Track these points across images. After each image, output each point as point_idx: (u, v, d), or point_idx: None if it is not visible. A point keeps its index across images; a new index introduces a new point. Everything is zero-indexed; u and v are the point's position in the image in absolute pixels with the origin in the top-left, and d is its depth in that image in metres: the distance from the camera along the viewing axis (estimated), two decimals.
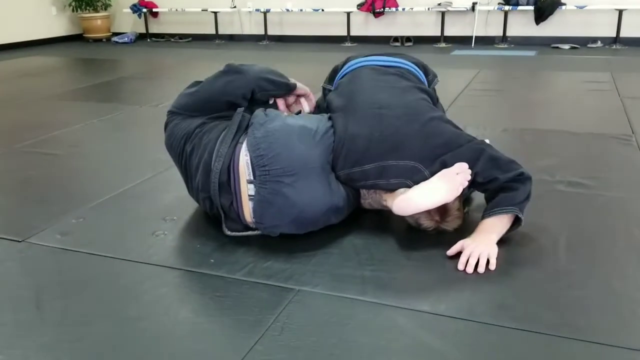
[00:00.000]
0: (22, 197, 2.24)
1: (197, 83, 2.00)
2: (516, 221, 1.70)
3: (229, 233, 1.80)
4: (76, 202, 2.14)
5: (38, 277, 1.63)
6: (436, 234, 1.76)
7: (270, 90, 1.96)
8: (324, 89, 2.16)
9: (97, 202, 2.14)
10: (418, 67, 2.06)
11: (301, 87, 2.03)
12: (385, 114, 1.77)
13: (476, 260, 1.59)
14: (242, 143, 1.73)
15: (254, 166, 1.69)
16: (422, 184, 1.70)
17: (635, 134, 2.80)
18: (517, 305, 1.42)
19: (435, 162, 1.71)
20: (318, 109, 2.09)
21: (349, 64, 2.06)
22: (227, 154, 1.71)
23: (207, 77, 1.97)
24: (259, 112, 1.82)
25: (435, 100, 2.02)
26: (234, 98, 1.88)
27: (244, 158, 1.70)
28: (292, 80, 2.02)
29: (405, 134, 1.73)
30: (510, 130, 2.96)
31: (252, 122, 1.78)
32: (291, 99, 2.04)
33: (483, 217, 1.72)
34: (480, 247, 1.62)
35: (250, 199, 1.72)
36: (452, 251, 1.65)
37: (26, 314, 1.45)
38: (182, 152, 1.84)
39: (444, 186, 1.67)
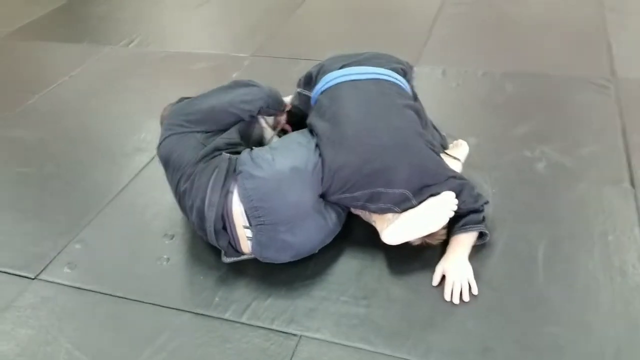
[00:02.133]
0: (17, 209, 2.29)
1: (185, 99, 2.00)
2: (481, 236, 1.87)
3: (227, 260, 1.90)
4: (75, 215, 2.20)
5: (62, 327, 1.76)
6: (421, 249, 1.88)
7: (275, 110, 2.04)
8: (299, 93, 2.14)
9: (96, 214, 2.20)
10: (397, 71, 2.02)
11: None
12: (373, 144, 1.79)
13: (459, 289, 1.75)
14: (232, 192, 1.77)
15: (249, 216, 1.76)
16: (411, 213, 1.79)
17: (616, 78, 2.82)
18: (499, 347, 1.59)
19: (423, 191, 1.79)
20: (292, 112, 2.17)
21: (325, 77, 1.99)
22: (219, 203, 1.76)
23: (204, 92, 2.01)
24: (244, 155, 1.83)
25: (415, 105, 2.00)
26: (241, 112, 1.94)
27: (237, 208, 1.76)
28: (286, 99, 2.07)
29: (394, 165, 1.78)
30: (490, 74, 2.95)
31: (240, 170, 1.78)
32: (283, 118, 2.08)
33: (454, 233, 1.87)
34: (459, 274, 1.78)
35: (248, 239, 1.81)
36: (435, 281, 1.80)
37: None
38: (176, 185, 1.88)
39: (432, 216, 1.77)
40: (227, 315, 1.76)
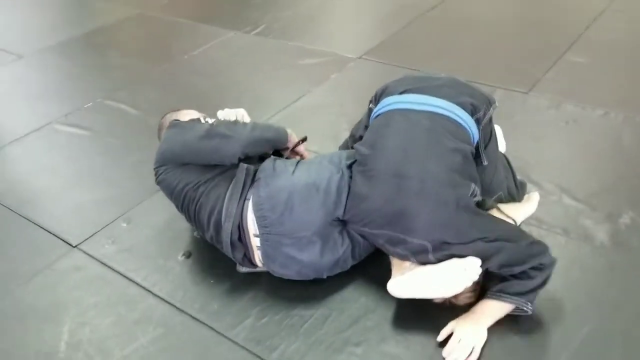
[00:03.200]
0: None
1: (177, 123, 1.96)
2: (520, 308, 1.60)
3: (242, 270, 1.87)
4: (132, 193, 2.31)
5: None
6: (440, 307, 1.69)
7: (266, 150, 1.91)
8: (369, 109, 2.01)
9: (150, 195, 2.28)
10: (464, 107, 1.77)
11: (293, 138, 2.00)
12: (399, 185, 1.62)
13: (460, 353, 1.55)
14: (249, 199, 1.73)
15: (258, 225, 1.72)
16: (424, 270, 1.61)
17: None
18: None
19: (444, 248, 1.60)
20: (357, 127, 2.01)
21: (384, 100, 1.83)
22: (237, 213, 1.73)
23: (187, 127, 1.90)
24: (267, 164, 1.79)
25: (465, 149, 1.71)
26: (222, 163, 1.83)
27: (250, 215, 1.73)
28: (289, 131, 1.99)
29: (415, 213, 1.60)
30: (610, 117, 2.56)
31: (258, 177, 1.76)
32: (300, 148, 2.02)
33: (485, 297, 1.63)
34: (468, 339, 1.57)
35: (257, 249, 1.77)
36: (441, 337, 1.61)
37: None
38: (189, 203, 1.85)
39: (446, 280, 1.58)
40: (216, 326, 1.73)
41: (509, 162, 2.02)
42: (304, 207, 1.69)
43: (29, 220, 2.22)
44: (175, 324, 1.76)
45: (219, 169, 1.82)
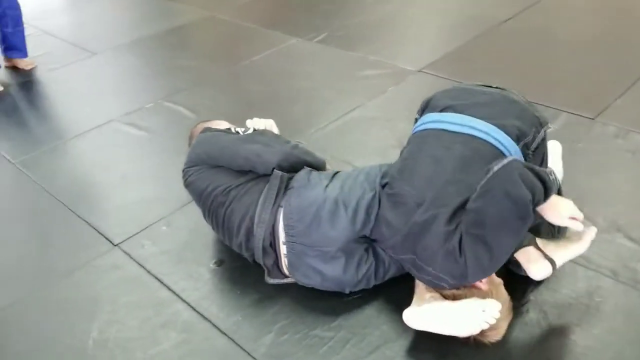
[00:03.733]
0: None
1: (212, 129, 1.98)
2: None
3: (270, 281, 1.87)
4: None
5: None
6: (463, 342, 1.61)
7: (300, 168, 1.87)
8: (415, 119, 1.96)
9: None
10: (507, 130, 1.66)
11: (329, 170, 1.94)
12: (418, 212, 1.56)
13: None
14: (282, 207, 1.74)
15: (286, 233, 1.73)
16: (442, 305, 1.56)
17: None
18: None
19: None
20: None
21: (424, 117, 1.78)
22: (269, 220, 1.74)
23: (223, 132, 1.95)
24: (302, 174, 1.80)
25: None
26: (255, 169, 1.84)
27: (281, 222, 1.74)
28: (327, 165, 1.97)
29: (427, 242, 1.54)
30: None
31: (292, 186, 1.76)
32: None
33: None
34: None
35: (284, 257, 1.77)
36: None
37: None
38: (217, 207, 1.86)
39: (463, 319, 1.52)
40: (237, 338, 1.74)
41: (560, 191, 1.91)
42: (331, 223, 1.67)
43: (78, 216, 2.31)
44: (198, 331, 1.77)
45: (251, 176, 1.83)
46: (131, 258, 2.08)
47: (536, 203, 1.49)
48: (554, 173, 1.57)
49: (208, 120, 2.22)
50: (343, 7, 4.19)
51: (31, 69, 3.59)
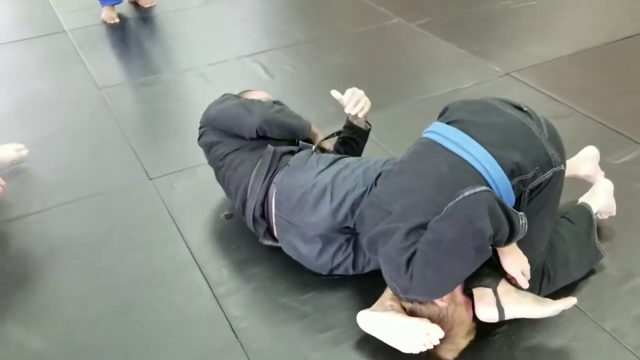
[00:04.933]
0: None
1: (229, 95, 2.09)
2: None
3: (265, 243, 1.94)
4: None
5: None
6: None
7: (286, 136, 1.93)
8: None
9: None
10: (502, 163, 1.53)
11: (317, 134, 1.99)
12: (385, 220, 1.55)
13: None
14: (275, 183, 1.82)
15: (275, 207, 1.82)
16: (391, 317, 1.57)
17: None
18: None
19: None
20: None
21: (433, 125, 1.72)
22: (260, 193, 1.83)
23: (233, 97, 2.05)
24: (301, 154, 1.85)
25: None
26: (241, 133, 1.93)
27: (274, 196, 1.82)
28: (314, 127, 2.01)
29: (385, 251, 1.53)
30: None
31: (289, 163, 1.82)
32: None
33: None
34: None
35: (275, 225, 1.86)
36: None
37: None
38: (217, 170, 2.02)
39: (405, 336, 1.52)
40: (210, 280, 1.88)
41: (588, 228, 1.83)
42: (313, 209, 1.72)
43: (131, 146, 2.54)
44: (185, 268, 1.92)
45: (245, 143, 1.92)
46: (158, 194, 2.26)
47: (496, 241, 1.42)
48: (524, 218, 1.46)
49: (250, 90, 2.26)
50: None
51: (150, 7, 3.87)
